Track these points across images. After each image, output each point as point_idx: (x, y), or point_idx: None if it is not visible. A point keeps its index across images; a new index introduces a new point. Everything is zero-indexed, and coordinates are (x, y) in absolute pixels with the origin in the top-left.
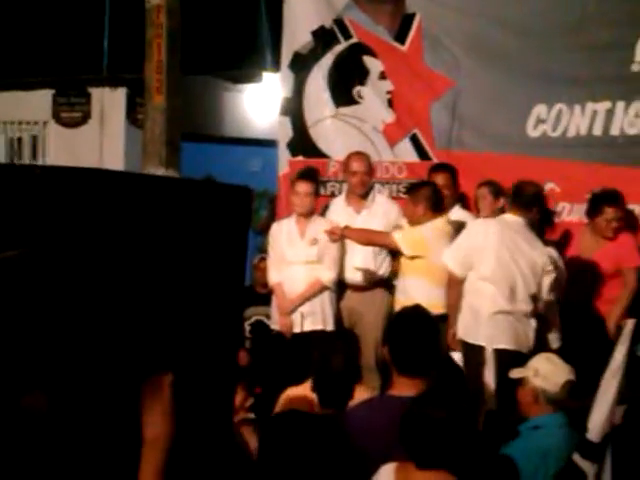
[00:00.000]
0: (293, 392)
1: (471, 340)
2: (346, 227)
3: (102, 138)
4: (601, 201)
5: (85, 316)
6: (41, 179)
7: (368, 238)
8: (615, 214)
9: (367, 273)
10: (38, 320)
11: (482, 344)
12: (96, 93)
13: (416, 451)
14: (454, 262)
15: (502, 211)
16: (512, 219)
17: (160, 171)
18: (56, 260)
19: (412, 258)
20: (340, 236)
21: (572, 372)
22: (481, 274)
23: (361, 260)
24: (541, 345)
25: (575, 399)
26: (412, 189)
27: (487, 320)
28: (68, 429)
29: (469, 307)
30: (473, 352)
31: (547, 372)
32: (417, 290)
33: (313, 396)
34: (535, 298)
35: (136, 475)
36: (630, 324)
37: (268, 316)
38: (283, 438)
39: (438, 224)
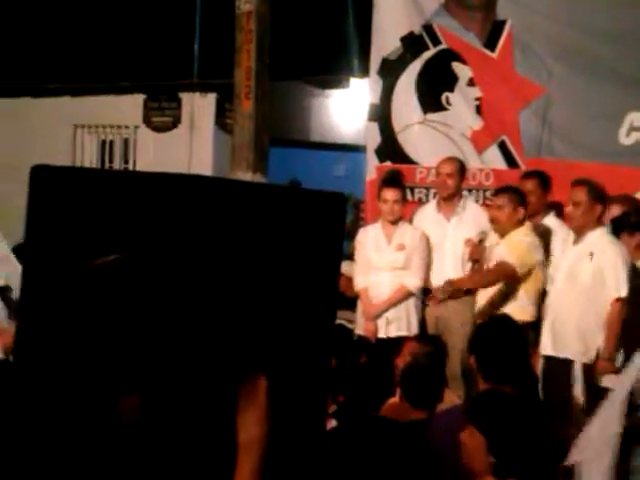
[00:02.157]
0: (391, 402)
1: None
2: (459, 279)
3: (191, 143)
4: None
5: (182, 320)
6: (138, 185)
7: (483, 281)
8: None
9: (447, 285)
10: (136, 324)
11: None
12: (186, 98)
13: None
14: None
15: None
16: None
17: (248, 176)
18: (156, 265)
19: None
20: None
21: None
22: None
23: (451, 268)
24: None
25: None
26: (507, 192)
27: None
28: (163, 432)
29: None
30: None
31: None
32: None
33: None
34: None
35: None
36: None
37: (350, 320)
38: (363, 445)
39: (530, 231)
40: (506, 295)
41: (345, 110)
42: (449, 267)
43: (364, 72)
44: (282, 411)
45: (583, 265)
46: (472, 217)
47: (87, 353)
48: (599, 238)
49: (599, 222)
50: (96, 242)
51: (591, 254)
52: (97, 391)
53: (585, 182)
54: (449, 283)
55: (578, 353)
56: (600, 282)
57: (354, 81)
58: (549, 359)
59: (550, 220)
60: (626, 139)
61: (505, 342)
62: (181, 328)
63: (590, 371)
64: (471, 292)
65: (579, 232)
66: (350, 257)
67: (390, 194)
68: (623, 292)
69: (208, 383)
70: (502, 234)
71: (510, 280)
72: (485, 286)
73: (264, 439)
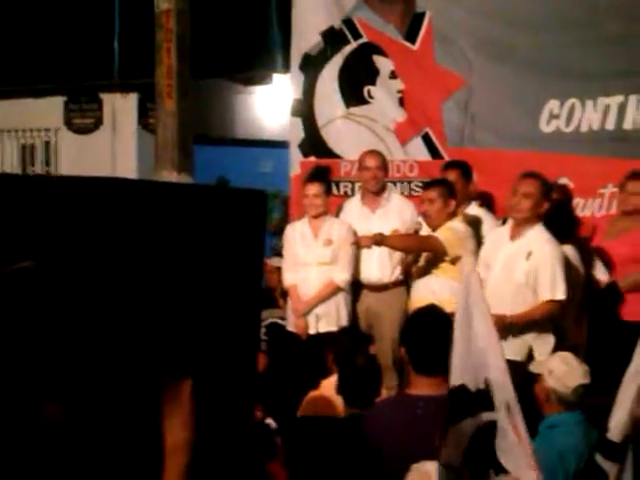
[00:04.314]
0: (314, 395)
1: None
2: (389, 235)
3: (114, 144)
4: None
5: (102, 325)
6: (55, 190)
7: (412, 244)
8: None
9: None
10: (53, 330)
11: None
12: (107, 99)
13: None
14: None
15: None
16: None
17: (173, 176)
18: (71, 270)
19: (451, 259)
20: (376, 243)
21: (586, 375)
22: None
23: (377, 260)
24: (562, 343)
25: (592, 397)
26: (437, 185)
27: None
28: (87, 438)
29: None
30: None
31: (560, 374)
32: (444, 289)
33: (335, 398)
34: None
35: None
36: None
37: (283, 318)
38: (304, 445)
39: (462, 222)
40: (438, 277)
41: (269, 106)
42: (376, 260)
43: (286, 68)
44: (209, 412)
45: (519, 263)
46: (397, 209)
47: (4, 360)
48: (539, 235)
49: (539, 218)
50: (11, 247)
51: (529, 254)
52: (16, 399)
53: (536, 175)
54: (380, 235)
55: (508, 349)
56: (533, 283)
57: (277, 77)
58: None
59: (473, 209)
60: (546, 127)
61: (435, 333)
62: (101, 333)
63: (520, 369)
64: (402, 284)
65: (520, 225)
66: (282, 254)
67: (311, 189)
68: (559, 295)
69: (131, 388)
70: (434, 228)
71: (438, 254)
72: (410, 248)
73: (190, 442)
